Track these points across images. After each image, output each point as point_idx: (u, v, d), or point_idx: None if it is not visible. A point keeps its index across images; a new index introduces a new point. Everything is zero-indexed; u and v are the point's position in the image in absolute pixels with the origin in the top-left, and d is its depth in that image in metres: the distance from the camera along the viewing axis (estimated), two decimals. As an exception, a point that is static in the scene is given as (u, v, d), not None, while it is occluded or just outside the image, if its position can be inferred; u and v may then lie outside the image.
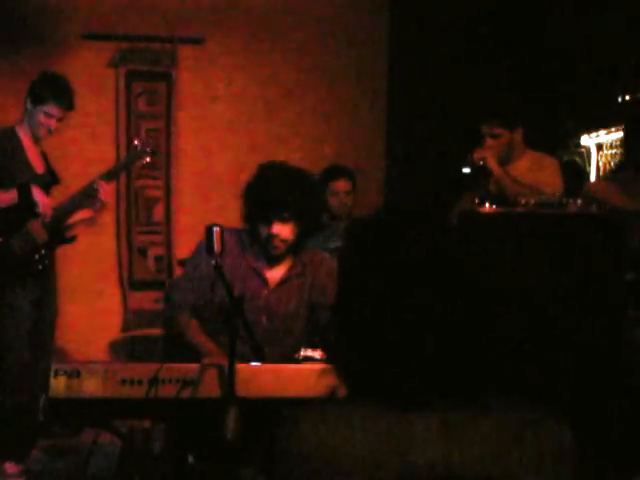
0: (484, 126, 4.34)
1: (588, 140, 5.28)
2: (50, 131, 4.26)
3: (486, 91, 5.05)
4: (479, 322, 1.26)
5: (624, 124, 4.40)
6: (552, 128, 5.21)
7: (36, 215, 4.20)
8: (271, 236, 3.18)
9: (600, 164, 5.20)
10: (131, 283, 5.89)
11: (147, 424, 3.28)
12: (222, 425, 2.47)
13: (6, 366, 4.16)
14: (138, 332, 5.74)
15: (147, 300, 5.72)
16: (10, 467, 4.10)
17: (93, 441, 4.40)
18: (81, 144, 5.63)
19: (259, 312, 3.25)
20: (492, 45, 5.38)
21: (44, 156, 4.41)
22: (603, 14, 4.88)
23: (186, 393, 2.69)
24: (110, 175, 4.39)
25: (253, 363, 2.87)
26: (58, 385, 2.66)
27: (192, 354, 3.09)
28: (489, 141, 4.32)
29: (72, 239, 4.43)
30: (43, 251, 4.25)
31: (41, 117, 4.21)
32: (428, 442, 1.21)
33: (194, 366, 2.74)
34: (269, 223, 3.16)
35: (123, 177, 5.69)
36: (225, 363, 2.64)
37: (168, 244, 5.91)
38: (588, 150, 5.28)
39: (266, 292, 3.31)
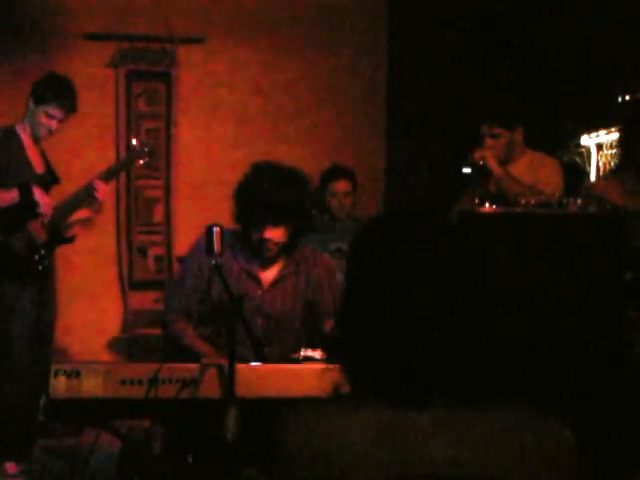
0: (484, 126, 4.34)
1: (588, 140, 5.28)
2: (51, 132, 4.26)
3: (486, 91, 5.06)
4: (479, 322, 1.26)
5: (623, 124, 4.40)
6: (552, 128, 5.22)
7: (36, 215, 4.19)
8: (264, 240, 3.17)
9: (600, 164, 5.20)
10: (131, 283, 5.89)
11: (147, 424, 3.28)
12: (222, 425, 2.47)
13: (6, 366, 4.16)
14: (138, 332, 5.74)
15: (147, 300, 5.71)
16: (10, 467, 4.10)
17: (93, 441, 4.40)
18: (81, 144, 5.63)
19: (254, 313, 3.25)
20: (492, 45, 5.38)
21: (44, 156, 4.40)
22: (603, 14, 4.88)
23: (186, 393, 2.68)
24: (108, 175, 4.39)
25: (253, 363, 2.88)
26: (58, 385, 2.66)
27: (192, 354, 3.09)
28: (489, 141, 4.32)
29: (71, 239, 4.43)
30: (43, 251, 4.24)
31: (42, 117, 4.20)
32: (428, 442, 1.21)
33: (194, 366, 2.74)
34: (261, 228, 3.16)
35: (123, 177, 5.68)
36: (225, 363, 2.64)
37: (168, 244, 5.90)
38: (588, 150, 5.29)
39: (260, 293, 3.30)
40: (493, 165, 4.24)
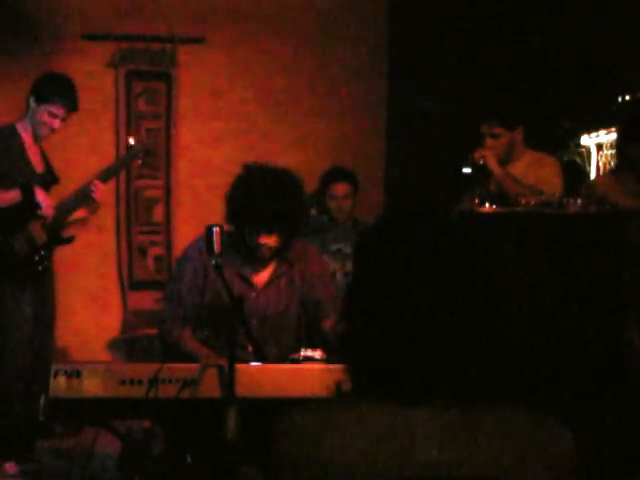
0: (484, 126, 4.34)
1: (588, 140, 5.28)
2: (53, 130, 4.25)
3: (486, 91, 5.06)
4: (479, 322, 1.26)
5: (622, 124, 4.40)
6: (552, 128, 5.22)
7: (37, 216, 4.19)
8: (258, 245, 3.16)
9: (600, 164, 5.20)
10: (131, 283, 5.89)
11: (147, 424, 3.28)
12: (222, 425, 2.47)
13: (6, 366, 4.16)
14: (138, 332, 5.74)
15: (147, 300, 5.71)
16: (10, 467, 4.10)
17: (93, 441, 4.40)
18: (81, 144, 5.63)
19: (249, 316, 3.23)
20: (492, 45, 5.38)
21: (44, 155, 4.40)
22: (603, 14, 4.88)
23: (186, 393, 2.68)
24: (106, 175, 4.38)
25: (253, 363, 2.87)
26: (58, 385, 2.66)
27: (191, 360, 3.07)
28: (489, 141, 4.32)
29: (70, 239, 4.42)
30: (43, 252, 4.24)
31: (44, 116, 4.19)
32: (429, 442, 1.21)
33: (194, 366, 2.74)
34: (255, 234, 3.15)
35: (123, 177, 5.69)
36: (225, 363, 2.64)
37: (168, 244, 5.90)
38: (588, 150, 5.28)
39: (254, 295, 3.29)
40: (493, 165, 4.24)
